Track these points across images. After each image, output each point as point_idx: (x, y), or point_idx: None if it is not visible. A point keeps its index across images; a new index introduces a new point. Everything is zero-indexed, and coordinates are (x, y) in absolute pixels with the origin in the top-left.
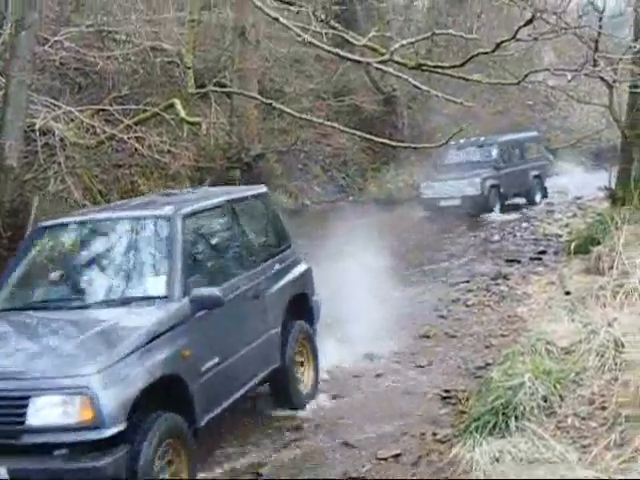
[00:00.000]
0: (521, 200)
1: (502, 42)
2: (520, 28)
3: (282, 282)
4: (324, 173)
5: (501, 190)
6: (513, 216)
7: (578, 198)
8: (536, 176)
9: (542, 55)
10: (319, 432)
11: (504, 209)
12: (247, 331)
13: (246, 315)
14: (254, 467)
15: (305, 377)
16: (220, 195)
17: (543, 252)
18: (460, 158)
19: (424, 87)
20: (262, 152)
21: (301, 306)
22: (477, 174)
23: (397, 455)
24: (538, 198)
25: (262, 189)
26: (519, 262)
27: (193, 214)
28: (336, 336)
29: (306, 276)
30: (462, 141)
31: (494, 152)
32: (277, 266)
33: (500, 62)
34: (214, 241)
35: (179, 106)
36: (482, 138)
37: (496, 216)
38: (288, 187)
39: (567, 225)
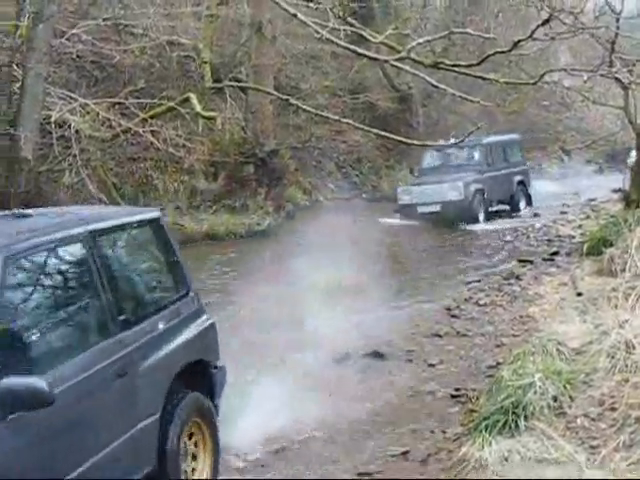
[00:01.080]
0: (504, 207)
1: (519, 41)
2: (537, 28)
3: (168, 348)
4: (338, 170)
5: (485, 196)
6: (502, 225)
7: (591, 200)
8: (520, 182)
9: (558, 55)
10: None
11: (488, 217)
12: (97, 433)
13: (98, 408)
14: None
15: (198, 472)
16: (82, 222)
17: (556, 253)
18: (440, 161)
19: (441, 85)
20: (276, 148)
21: (197, 377)
22: (460, 177)
23: (406, 452)
24: (522, 205)
25: (153, 214)
26: (531, 262)
27: (24, 254)
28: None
29: (207, 335)
30: (441, 142)
31: (477, 154)
32: (162, 325)
33: (516, 62)
34: (55, 296)
35: (195, 100)
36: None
37: (482, 225)
38: (302, 183)
39: (580, 226)
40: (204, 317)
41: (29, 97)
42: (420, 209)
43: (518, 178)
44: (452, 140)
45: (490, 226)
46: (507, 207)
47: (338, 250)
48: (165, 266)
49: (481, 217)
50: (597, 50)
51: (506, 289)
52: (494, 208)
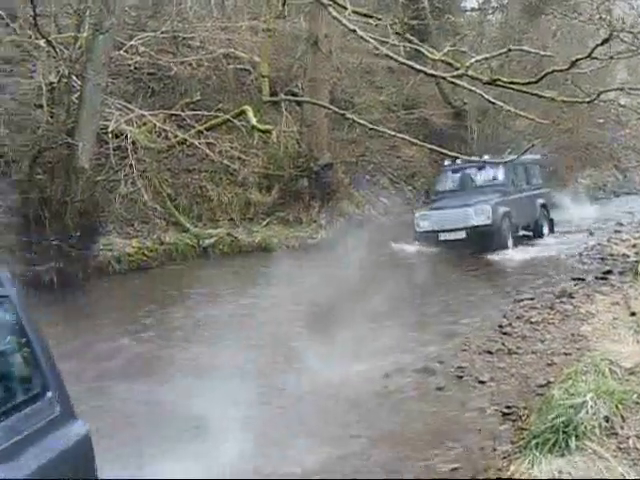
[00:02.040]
0: (527, 233)
1: (577, 60)
2: (596, 47)
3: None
4: (392, 184)
5: (512, 220)
6: (536, 254)
7: None
8: (543, 205)
9: (614, 73)
10: None
11: (515, 243)
12: None
13: None
14: None
15: None
16: None
17: (609, 272)
18: (459, 182)
19: (498, 102)
20: (330, 162)
21: None
22: (485, 200)
23: (455, 469)
24: (546, 230)
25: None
26: (584, 280)
27: None
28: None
29: (76, 454)
30: (459, 161)
31: (501, 174)
32: None
33: (572, 79)
34: None
35: (250, 113)
36: (485, 157)
37: (513, 253)
38: (355, 197)
39: (634, 245)
40: (70, 428)
41: (87, 107)
42: (442, 236)
43: (541, 201)
44: (509, 156)
45: (522, 254)
46: (530, 233)
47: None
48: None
49: (509, 243)
50: None
51: (558, 307)
52: (519, 234)
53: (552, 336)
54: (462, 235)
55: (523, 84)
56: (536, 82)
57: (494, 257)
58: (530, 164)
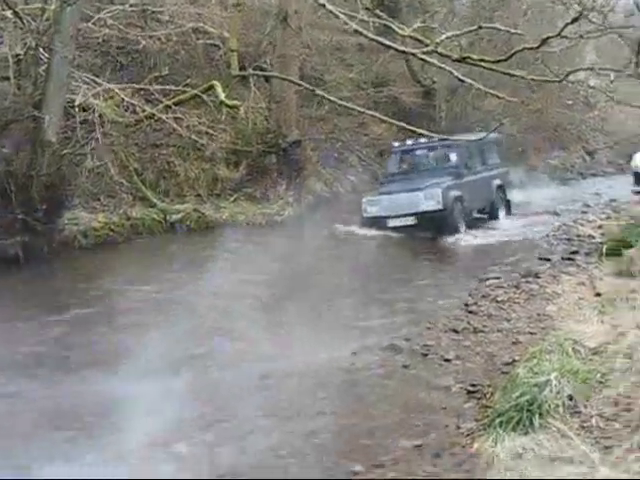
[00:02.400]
0: (482, 216)
1: (547, 38)
2: (567, 25)
3: None
4: (359, 162)
5: (464, 204)
6: (489, 239)
7: (613, 200)
8: (499, 186)
9: (584, 55)
10: None
11: (470, 227)
12: None
13: None
14: None
15: None
16: None
17: (575, 252)
18: (409, 164)
19: (467, 79)
20: (299, 139)
21: None
22: (436, 183)
23: (418, 446)
24: (502, 214)
25: None
26: (550, 261)
27: None
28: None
29: None
30: (409, 142)
31: (453, 156)
32: None
33: (542, 59)
34: None
35: (219, 89)
36: (435, 138)
37: (466, 238)
38: (323, 175)
39: (600, 227)
40: None
41: (54, 80)
42: (391, 222)
43: (497, 182)
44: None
45: (476, 239)
46: (485, 216)
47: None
48: None
49: (462, 228)
50: (623, 50)
51: (524, 287)
52: (473, 217)
53: (517, 315)
54: (412, 221)
55: (493, 62)
56: (506, 60)
57: (445, 243)
58: (486, 144)
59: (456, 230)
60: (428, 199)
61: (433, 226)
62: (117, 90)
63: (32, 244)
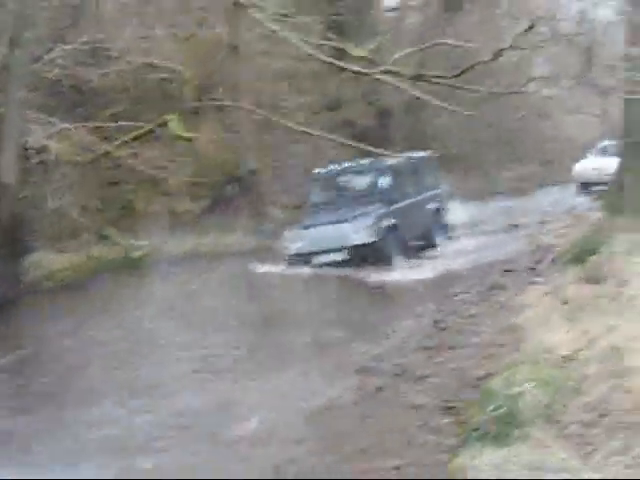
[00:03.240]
0: (417, 243)
1: (501, 50)
2: (520, 35)
3: None
4: None
5: (399, 233)
6: (433, 271)
7: (573, 208)
8: (436, 210)
9: (534, 67)
10: None
11: (407, 257)
12: None
13: None
14: None
15: None
16: None
17: (539, 262)
18: (334, 192)
19: (424, 96)
20: (253, 168)
21: None
22: (365, 213)
23: (398, 467)
24: (439, 239)
25: None
26: (513, 272)
27: None
28: None
29: None
30: (333, 167)
31: (384, 180)
32: None
33: (493, 73)
34: None
35: (174, 123)
36: (362, 161)
37: (403, 273)
38: (282, 201)
39: (562, 235)
40: None
41: (8, 123)
42: (317, 259)
43: (433, 206)
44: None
45: (412, 273)
46: (421, 243)
47: None
48: None
49: (396, 261)
50: (574, 59)
51: (492, 299)
52: (409, 245)
53: (488, 329)
54: (340, 256)
55: (448, 78)
56: (460, 74)
57: (378, 278)
58: (419, 163)
59: (390, 263)
60: (358, 231)
61: (365, 260)
62: (72, 129)
63: None
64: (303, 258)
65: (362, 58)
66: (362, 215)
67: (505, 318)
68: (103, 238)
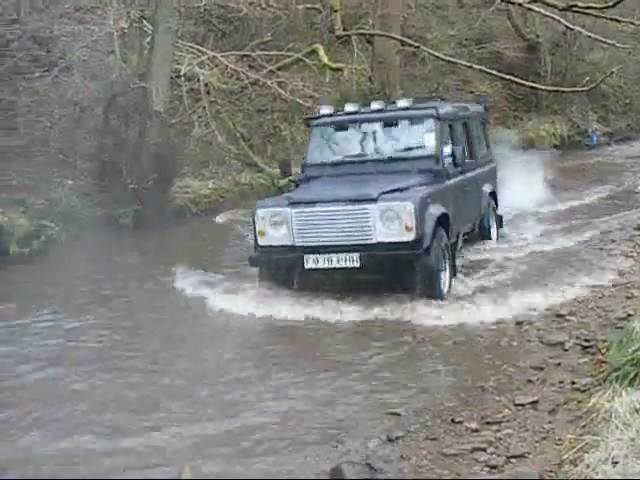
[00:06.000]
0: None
1: None
2: None
3: None
4: None
5: (453, 227)
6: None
7: None
8: (491, 193)
9: None
10: None
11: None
12: None
13: None
14: None
15: None
16: None
17: None
18: (349, 150)
19: (576, 27)
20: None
21: None
22: (404, 189)
23: (534, 402)
24: (494, 232)
25: None
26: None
27: None
28: None
29: None
30: (350, 107)
31: (429, 138)
32: None
33: None
34: None
35: (322, 52)
36: (400, 101)
37: (459, 292)
38: None
39: None
40: None
41: (159, 51)
42: (310, 262)
43: (488, 187)
44: None
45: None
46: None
47: None
48: None
49: (445, 277)
50: None
51: (637, 240)
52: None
53: (631, 269)
54: (352, 262)
55: (600, 8)
56: (614, 5)
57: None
58: (472, 119)
59: (436, 277)
60: (389, 220)
61: (394, 273)
62: (221, 58)
63: (144, 213)
64: (284, 258)
65: None
66: (396, 193)
67: None
68: (249, 165)
